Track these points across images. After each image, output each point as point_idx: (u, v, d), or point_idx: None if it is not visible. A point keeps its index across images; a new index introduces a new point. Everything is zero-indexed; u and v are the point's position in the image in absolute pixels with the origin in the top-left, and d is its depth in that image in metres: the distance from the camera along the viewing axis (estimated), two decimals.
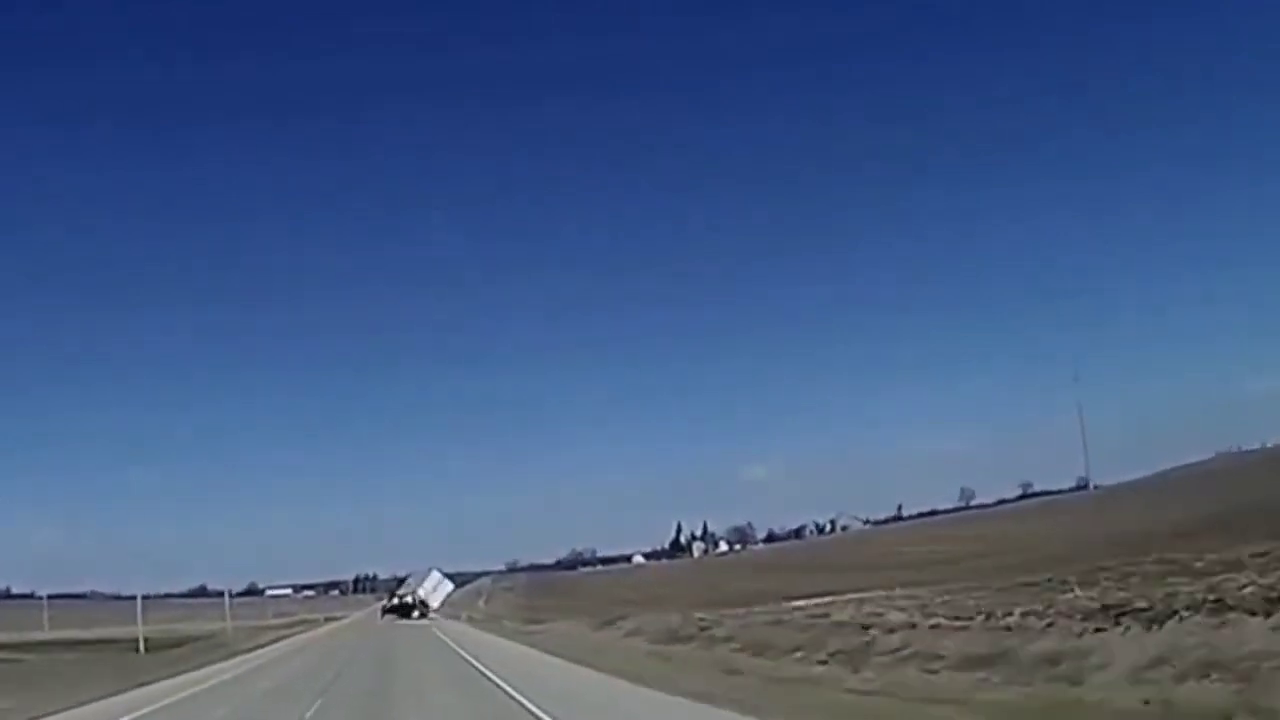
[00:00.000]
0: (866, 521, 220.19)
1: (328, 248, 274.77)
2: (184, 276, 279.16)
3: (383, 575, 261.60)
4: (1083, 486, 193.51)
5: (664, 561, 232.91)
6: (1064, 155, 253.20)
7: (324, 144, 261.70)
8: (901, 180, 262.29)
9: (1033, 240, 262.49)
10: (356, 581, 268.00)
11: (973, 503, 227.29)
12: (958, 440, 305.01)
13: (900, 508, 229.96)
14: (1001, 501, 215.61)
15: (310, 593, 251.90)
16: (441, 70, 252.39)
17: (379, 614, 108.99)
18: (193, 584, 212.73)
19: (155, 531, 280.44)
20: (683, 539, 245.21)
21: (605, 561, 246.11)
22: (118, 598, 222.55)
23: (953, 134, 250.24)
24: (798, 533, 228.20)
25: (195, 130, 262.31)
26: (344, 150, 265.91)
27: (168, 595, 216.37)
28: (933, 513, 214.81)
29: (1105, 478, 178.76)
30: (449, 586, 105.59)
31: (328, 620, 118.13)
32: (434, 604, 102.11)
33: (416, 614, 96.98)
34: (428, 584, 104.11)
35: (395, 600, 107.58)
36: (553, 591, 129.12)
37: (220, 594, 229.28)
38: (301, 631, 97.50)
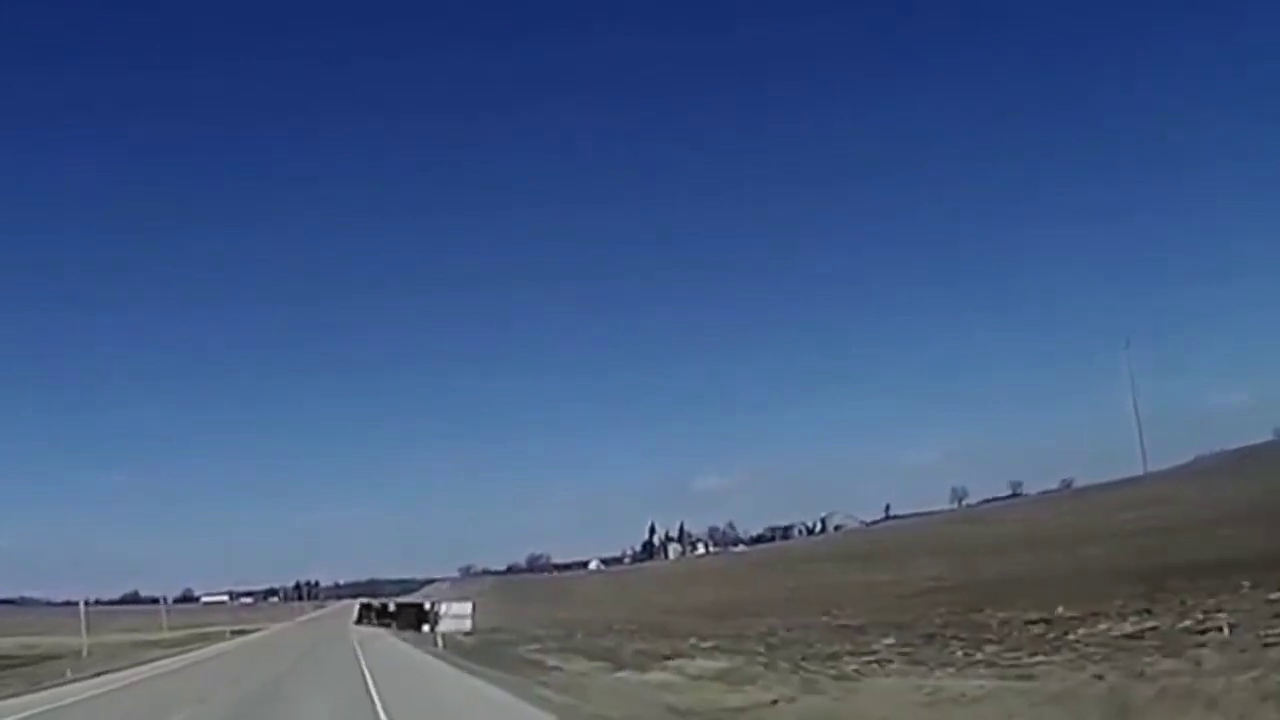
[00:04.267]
0: (871, 522, 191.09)
1: (280, 254, 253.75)
2: (137, 280, 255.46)
3: (324, 582, 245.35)
4: (1067, 486, 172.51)
5: (629, 566, 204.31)
6: (1068, 160, 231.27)
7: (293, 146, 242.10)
8: (892, 185, 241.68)
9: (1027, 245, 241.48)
10: (297, 588, 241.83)
11: (964, 502, 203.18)
12: (926, 445, 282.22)
13: (888, 508, 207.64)
14: (992, 500, 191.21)
15: (249, 599, 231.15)
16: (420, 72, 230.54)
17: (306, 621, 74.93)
18: (127, 590, 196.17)
19: (96, 536, 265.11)
20: (656, 540, 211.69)
21: (559, 568, 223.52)
22: (49, 604, 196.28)
23: (947, 141, 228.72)
24: (785, 533, 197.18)
25: (191, 131, 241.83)
26: (310, 154, 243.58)
27: (98, 601, 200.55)
28: (926, 514, 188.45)
29: (1084, 479, 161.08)
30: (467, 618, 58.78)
31: (235, 634, 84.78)
32: (444, 627, 57.94)
33: (427, 627, 57.17)
34: (454, 607, 60.60)
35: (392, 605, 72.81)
36: (541, 598, 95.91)
37: (156, 600, 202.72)
38: (190, 649, 65.01)
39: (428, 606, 56.15)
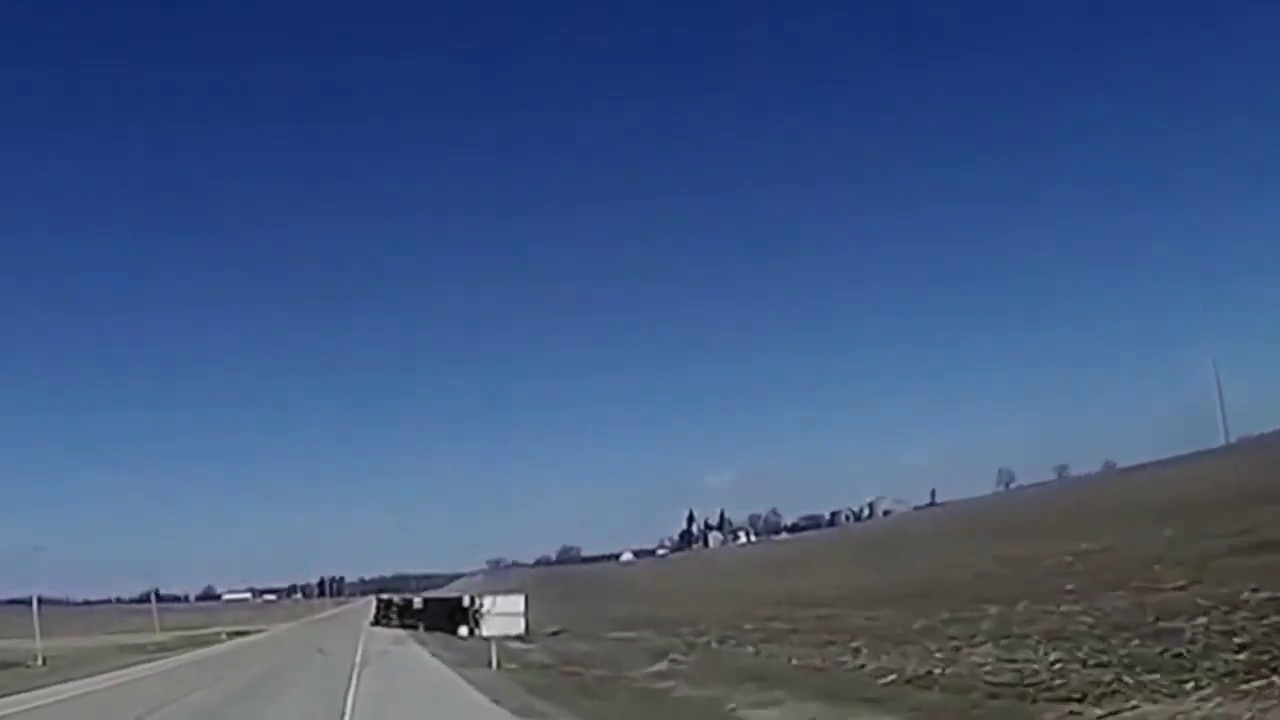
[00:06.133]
0: (919, 507, 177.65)
1: (294, 250, 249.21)
2: (143, 278, 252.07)
3: (350, 578, 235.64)
4: (1111, 467, 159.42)
5: (670, 555, 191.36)
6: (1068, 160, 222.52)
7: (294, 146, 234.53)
8: (892, 185, 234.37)
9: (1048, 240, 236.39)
10: (321, 584, 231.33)
11: (1011, 485, 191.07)
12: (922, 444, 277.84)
13: (934, 493, 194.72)
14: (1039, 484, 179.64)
15: (272, 597, 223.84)
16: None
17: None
18: (148, 588, 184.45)
19: (114, 535, 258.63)
20: (695, 529, 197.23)
21: (589, 560, 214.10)
22: (68, 603, 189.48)
23: (947, 141, 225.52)
24: (831, 520, 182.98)
25: (192, 130, 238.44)
26: (311, 153, 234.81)
27: (118, 600, 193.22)
28: (975, 498, 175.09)
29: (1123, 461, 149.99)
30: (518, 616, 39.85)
31: (232, 636, 71.97)
32: (489, 629, 38.76)
33: (464, 629, 39.27)
34: (500, 602, 40.46)
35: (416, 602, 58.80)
36: (594, 592, 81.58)
37: (178, 599, 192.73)
38: (167, 656, 52.14)
39: (466, 602, 39.83)
